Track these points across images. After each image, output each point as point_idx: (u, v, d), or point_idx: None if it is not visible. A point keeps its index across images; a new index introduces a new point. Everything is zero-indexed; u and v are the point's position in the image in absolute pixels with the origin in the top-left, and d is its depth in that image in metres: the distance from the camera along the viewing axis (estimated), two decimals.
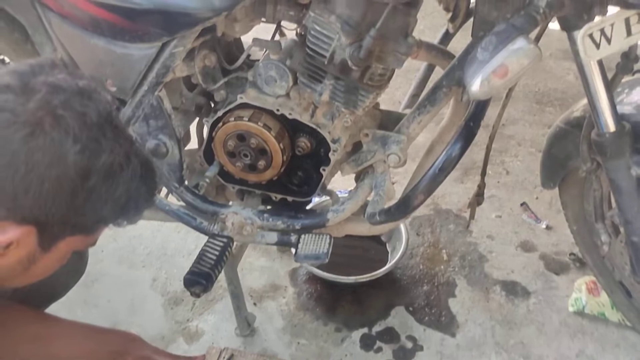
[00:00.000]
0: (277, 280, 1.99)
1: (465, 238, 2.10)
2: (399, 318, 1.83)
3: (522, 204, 2.18)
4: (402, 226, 1.96)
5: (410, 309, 1.86)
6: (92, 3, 1.24)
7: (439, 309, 1.85)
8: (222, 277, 1.70)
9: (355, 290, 1.92)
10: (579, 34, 0.98)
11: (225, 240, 1.41)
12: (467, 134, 1.24)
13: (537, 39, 1.19)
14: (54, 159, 0.80)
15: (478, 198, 1.76)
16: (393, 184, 2.08)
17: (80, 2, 1.25)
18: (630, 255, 1.28)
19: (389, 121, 1.47)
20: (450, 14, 1.31)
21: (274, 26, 1.40)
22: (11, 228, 0.82)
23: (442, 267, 1.99)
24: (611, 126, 1.12)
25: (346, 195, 1.50)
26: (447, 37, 1.49)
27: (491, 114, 1.36)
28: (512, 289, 1.90)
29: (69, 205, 0.83)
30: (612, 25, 0.98)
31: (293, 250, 1.46)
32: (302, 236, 1.43)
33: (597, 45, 0.99)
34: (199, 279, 1.34)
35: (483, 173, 1.68)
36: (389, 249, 2.01)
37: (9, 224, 0.82)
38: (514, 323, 1.79)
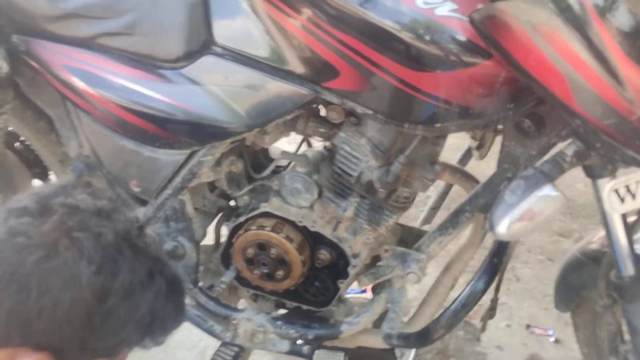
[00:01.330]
0: None
1: (475, 347, 2.06)
2: None
3: (527, 327, 2.15)
4: None
5: None
6: (124, 109, 1.25)
7: None
8: None
9: None
10: (605, 189, 1.00)
11: (236, 349, 1.39)
12: (491, 270, 1.24)
13: None
14: (68, 281, 0.78)
15: (490, 312, 1.74)
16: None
17: (113, 107, 1.26)
18: None
19: (409, 237, 1.46)
20: (477, 143, 1.32)
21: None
22: (26, 355, 0.79)
23: None
24: (630, 270, 1.12)
25: (356, 295, 1.48)
26: (467, 156, 1.50)
27: None
28: None
29: (85, 328, 0.81)
30: (637, 182, 0.99)
31: None
32: (317, 352, 1.41)
33: (622, 200, 1.00)
34: None
35: (497, 289, 1.66)
36: (397, 354, 1.98)
37: (23, 351, 0.79)
38: None
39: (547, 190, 1.00)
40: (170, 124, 1.25)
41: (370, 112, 1.12)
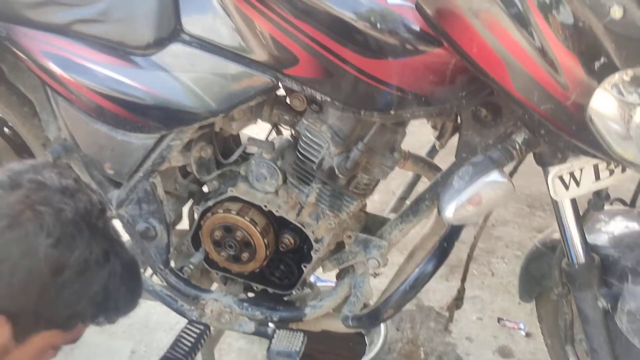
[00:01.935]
0: None
1: (445, 338, 2.10)
2: None
3: (499, 320, 2.18)
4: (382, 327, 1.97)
5: None
6: (98, 94, 1.29)
7: None
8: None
9: None
10: (549, 175, 1.03)
11: (202, 327, 1.43)
12: (440, 254, 1.27)
13: (514, 170, 1.24)
14: (27, 250, 0.83)
15: (457, 302, 1.78)
16: (376, 275, 2.12)
17: (87, 92, 1.30)
18: None
19: (373, 224, 1.50)
20: (437, 132, 1.36)
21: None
22: None
23: None
24: (580, 258, 1.15)
25: (326, 284, 1.52)
26: (434, 150, 1.54)
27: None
28: None
29: (40, 298, 0.86)
30: (581, 169, 1.02)
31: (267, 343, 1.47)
32: (277, 331, 1.45)
33: (567, 187, 1.03)
34: None
35: (463, 279, 1.70)
36: (367, 342, 2.01)
37: None
38: None
39: (494, 176, 1.04)
40: (140, 109, 1.29)
41: (328, 99, 1.16)
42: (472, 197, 1.04)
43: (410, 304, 2.20)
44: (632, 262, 1.14)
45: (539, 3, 0.85)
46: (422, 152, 1.54)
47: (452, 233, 1.28)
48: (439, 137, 1.36)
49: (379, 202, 2.37)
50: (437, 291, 2.28)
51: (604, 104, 0.83)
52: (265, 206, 1.39)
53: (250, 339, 2.07)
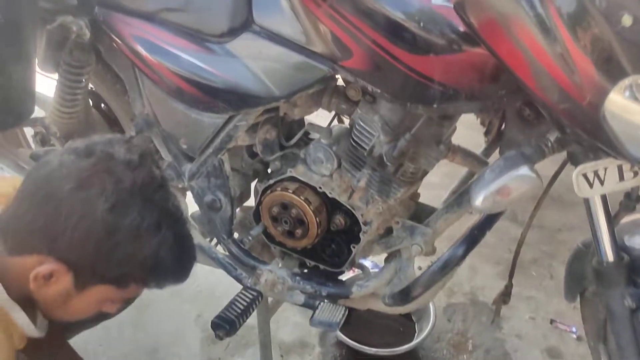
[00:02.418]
0: (307, 338, 2.11)
1: (494, 333, 2.14)
2: None
3: (552, 322, 2.19)
4: (432, 309, 2.04)
5: None
6: (177, 76, 1.44)
7: None
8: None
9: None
10: (574, 173, 1.08)
11: (255, 293, 1.55)
12: (470, 240, 1.33)
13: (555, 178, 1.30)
14: (87, 211, 0.98)
15: (504, 297, 1.82)
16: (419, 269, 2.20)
17: (168, 73, 1.45)
18: None
19: (422, 213, 1.57)
20: (485, 128, 1.42)
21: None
22: (51, 262, 0.99)
23: (464, 356, 2.05)
24: (610, 256, 1.19)
25: (376, 270, 1.61)
26: (491, 147, 1.59)
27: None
28: None
29: (95, 254, 1.00)
30: (605, 169, 1.06)
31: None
32: (321, 303, 1.55)
33: (591, 185, 1.07)
34: (224, 324, 1.47)
35: (511, 275, 1.74)
36: (417, 328, 2.09)
37: (49, 259, 0.99)
38: None
39: (523, 171, 1.09)
40: (212, 91, 1.42)
41: (378, 90, 1.25)
42: (500, 188, 1.10)
43: (465, 297, 2.28)
44: None
45: (559, 10, 0.91)
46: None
47: (485, 222, 1.34)
48: (486, 133, 1.42)
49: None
50: (494, 289, 2.30)
51: (617, 106, 0.88)
52: (320, 188, 1.49)
53: (306, 314, 2.18)
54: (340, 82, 1.42)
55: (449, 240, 1.48)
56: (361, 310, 1.68)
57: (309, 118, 1.61)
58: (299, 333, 2.12)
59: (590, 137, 0.97)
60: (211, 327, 1.49)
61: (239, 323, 1.49)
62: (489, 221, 1.33)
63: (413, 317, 2.13)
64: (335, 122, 1.62)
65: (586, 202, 1.18)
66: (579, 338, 2.11)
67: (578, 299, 1.62)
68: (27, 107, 1.61)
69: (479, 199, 1.13)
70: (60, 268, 1.00)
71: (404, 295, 1.44)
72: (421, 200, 1.65)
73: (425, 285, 1.40)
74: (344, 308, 1.54)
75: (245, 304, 1.51)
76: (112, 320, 1.58)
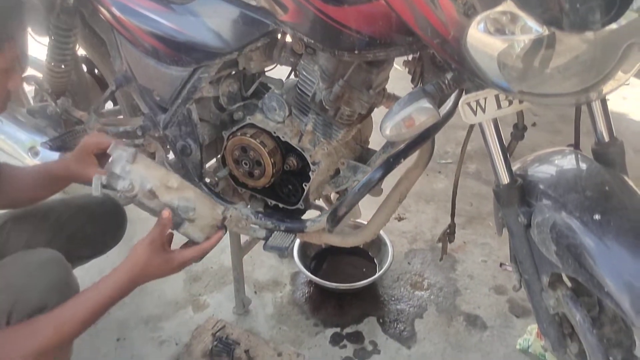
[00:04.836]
0: (280, 278, 2.30)
1: (449, 273, 2.32)
2: (369, 326, 2.08)
3: (501, 265, 2.36)
4: (390, 252, 2.23)
5: (381, 320, 2.11)
6: (147, 34, 1.62)
7: (404, 325, 2.08)
8: None
9: (340, 297, 2.19)
10: (459, 102, 1.25)
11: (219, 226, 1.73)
12: (387, 166, 1.51)
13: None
14: None
15: (449, 236, 2.00)
16: (401, 219, 2.39)
17: (141, 33, 1.63)
18: (526, 291, 1.50)
19: (367, 156, 1.76)
20: (411, 77, 1.59)
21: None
22: None
23: (420, 293, 2.23)
24: (504, 179, 1.35)
25: None
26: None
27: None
28: (473, 321, 2.10)
29: None
30: (485, 98, 1.23)
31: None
32: (275, 232, 1.74)
33: (474, 113, 1.24)
34: None
35: (452, 214, 1.92)
36: (377, 270, 2.28)
37: None
38: (464, 348, 1.99)
39: (423, 103, 1.25)
40: (176, 45, 1.60)
41: (312, 41, 1.43)
42: (404, 118, 1.27)
43: (426, 244, 2.46)
44: (545, 185, 1.32)
45: None
46: None
47: (400, 152, 1.51)
48: (412, 80, 1.59)
49: None
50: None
51: (474, 39, 1.04)
52: (274, 132, 1.67)
53: (280, 259, 2.39)
54: (288, 38, 1.60)
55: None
56: (331, 259, 1.86)
57: (270, 74, 1.79)
58: (272, 274, 2.32)
59: (459, 67, 1.14)
60: None
61: None
62: (404, 152, 1.51)
63: (375, 260, 2.32)
64: (293, 77, 1.80)
65: (481, 130, 1.34)
66: (514, 287, 2.27)
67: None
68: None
69: (388, 128, 1.30)
70: None
71: (333, 215, 1.62)
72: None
73: (348, 205, 1.58)
74: (293, 236, 1.73)
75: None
76: (106, 263, 1.76)
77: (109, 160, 1.35)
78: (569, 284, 1.43)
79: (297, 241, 2.27)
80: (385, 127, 1.30)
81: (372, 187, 1.54)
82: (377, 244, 2.32)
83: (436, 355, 1.97)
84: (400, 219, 2.57)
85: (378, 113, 1.66)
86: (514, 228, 1.40)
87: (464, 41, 1.07)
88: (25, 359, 1.14)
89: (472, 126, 1.57)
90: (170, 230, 1.37)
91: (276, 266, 2.35)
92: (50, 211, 1.59)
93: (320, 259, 2.35)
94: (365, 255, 2.34)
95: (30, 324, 1.18)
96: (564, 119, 3.32)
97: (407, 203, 1.83)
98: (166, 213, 1.33)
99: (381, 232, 2.28)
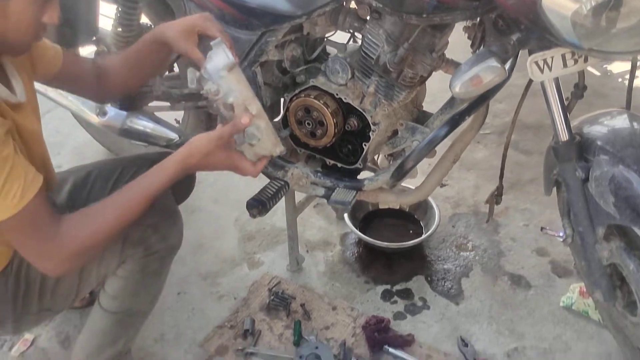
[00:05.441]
0: (330, 238, 2.40)
1: (492, 236, 2.41)
2: (417, 283, 2.18)
3: (542, 229, 2.43)
4: (437, 215, 2.32)
5: (429, 279, 2.20)
6: None
7: (452, 283, 2.18)
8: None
9: (389, 257, 2.29)
10: (528, 61, 1.33)
11: (283, 182, 1.83)
12: (452, 123, 1.60)
13: (514, 62, 1.54)
14: None
15: (496, 197, 2.09)
16: (443, 186, 2.48)
17: None
18: (578, 243, 1.59)
19: (424, 119, 1.84)
20: (471, 42, 1.67)
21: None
22: None
23: (465, 254, 2.32)
24: (564, 136, 1.44)
25: None
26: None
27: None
28: (517, 281, 2.19)
29: None
30: (552, 57, 1.31)
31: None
32: (337, 188, 1.83)
33: (541, 71, 1.32)
34: (257, 205, 1.76)
35: (501, 176, 2.01)
36: (424, 231, 2.38)
37: None
38: (509, 305, 2.09)
39: (490, 62, 1.35)
40: (247, 10, 1.69)
41: (380, 5, 1.51)
42: (473, 77, 1.36)
43: (468, 209, 2.55)
44: (602, 142, 1.40)
45: None
46: None
47: (465, 110, 1.59)
48: (472, 46, 1.66)
49: None
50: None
51: (549, 1, 1.14)
52: (337, 94, 1.77)
53: (329, 221, 2.49)
54: (353, 5, 1.68)
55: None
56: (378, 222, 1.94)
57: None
58: (322, 235, 2.42)
59: (533, 25, 1.23)
60: (246, 207, 1.76)
61: (269, 205, 1.77)
62: (467, 110, 1.59)
63: (421, 223, 2.41)
64: (352, 42, 1.89)
65: (543, 89, 1.42)
66: (565, 241, 2.35)
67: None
68: (92, 28, 1.91)
69: (457, 86, 1.39)
70: None
71: (400, 169, 1.72)
72: None
73: (415, 160, 1.67)
74: (355, 192, 1.82)
75: (275, 190, 1.79)
76: None
77: (208, 55, 1.35)
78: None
79: None
80: (454, 85, 1.39)
81: (437, 143, 1.63)
82: (423, 207, 2.41)
83: (483, 311, 2.06)
84: (443, 185, 2.66)
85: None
86: (571, 182, 1.49)
87: (539, 2, 1.15)
88: (87, 239, 1.23)
89: (526, 90, 1.65)
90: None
91: (325, 227, 2.46)
92: (131, 164, 1.70)
93: (368, 221, 2.44)
94: (411, 219, 2.44)
95: (90, 209, 1.26)
96: (597, 94, 3.38)
97: (449, 171, 1.94)
98: (246, 119, 1.35)
99: None
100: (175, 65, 2.20)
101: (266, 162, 1.46)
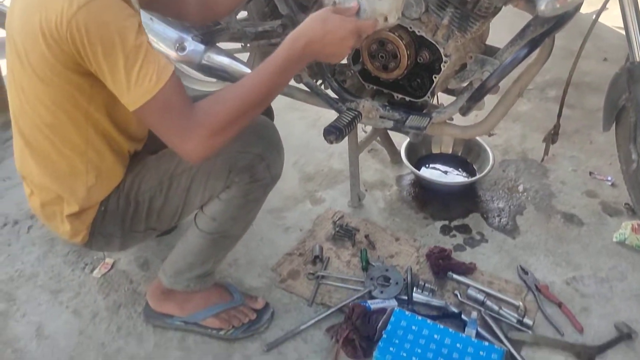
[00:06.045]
0: (386, 180, 2.49)
1: (542, 180, 2.49)
2: (474, 220, 2.27)
3: (590, 173, 2.52)
4: (491, 156, 2.41)
5: (485, 216, 2.29)
6: None
7: (507, 220, 2.27)
8: (346, 167, 2.25)
9: (445, 196, 2.38)
10: None
11: (356, 112, 1.91)
12: (532, 44, 1.67)
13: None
14: None
15: (553, 136, 2.18)
16: (491, 135, 2.56)
17: None
18: None
19: (491, 53, 1.92)
20: None
21: None
22: None
23: (517, 194, 2.40)
24: (638, 56, 1.53)
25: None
26: None
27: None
28: (570, 219, 2.27)
29: None
30: None
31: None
32: (411, 115, 1.92)
33: None
34: (334, 131, 1.82)
35: (559, 115, 2.09)
36: (475, 168, 2.47)
37: None
38: (564, 239, 2.17)
39: None
40: None
41: None
42: None
43: (517, 155, 2.63)
44: None
45: None
46: None
47: (544, 33, 1.67)
48: None
49: None
50: (541, 150, 2.63)
51: None
52: (410, 27, 1.84)
53: (385, 164, 2.58)
54: None
55: None
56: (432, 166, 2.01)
57: None
58: (379, 176, 2.51)
59: None
60: (323, 133, 1.82)
61: (345, 131, 1.85)
62: (546, 33, 1.67)
63: (474, 166, 2.50)
64: None
65: (621, 6, 1.50)
66: (613, 185, 2.42)
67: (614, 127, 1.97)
68: None
69: (543, 4, 1.48)
70: None
71: (479, 91, 1.79)
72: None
73: (498, 79, 1.75)
74: (428, 118, 1.90)
75: (350, 118, 1.87)
76: None
77: None
78: None
79: (404, 146, 2.47)
80: (541, 3, 1.47)
81: (518, 63, 1.70)
82: (476, 150, 2.49)
83: (539, 245, 2.15)
84: (491, 135, 2.74)
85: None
86: None
87: None
88: (223, 117, 1.29)
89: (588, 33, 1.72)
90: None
91: (381, 170, 2.54)
92: None
93: (421, 165, 2.53)
94: (463, 163, 2.52)
95: (219, 94, 1.32)
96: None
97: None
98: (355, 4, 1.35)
99: (479, 139, 2.47)
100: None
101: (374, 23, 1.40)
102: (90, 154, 1.46)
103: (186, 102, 1.28)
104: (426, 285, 1.90)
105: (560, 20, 1.64)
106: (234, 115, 1.30)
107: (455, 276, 1.98)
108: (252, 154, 1.55)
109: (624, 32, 1.65)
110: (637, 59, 1.53)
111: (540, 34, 1.67)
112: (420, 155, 2.54)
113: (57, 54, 1.24)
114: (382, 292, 1.88)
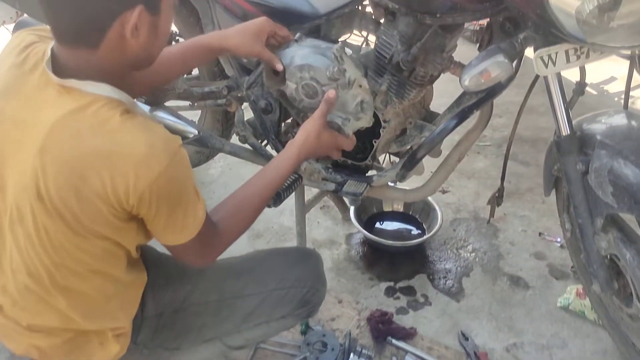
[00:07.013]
0: (336, 238, 2.48)
1: (491, 240, 2.48)
2: (420, 281, 2.25)
3: (540, 234, 2.52)
4: (439, 217, 2.40)
5: (431, 277, 2.27)
6: (245, 1, 1.82)
7: (453, 282, 2.25)
8: (294, 225, 2.24)
9: (392, 256, 2.37)
10: (533, 56, 1.43)
11: (297, 175, 1.91)
12: (461, 116, 1.68)
13: (519, 63, 1.63)
14: None
15: (497, 199, 2.17)
16: (445, 192, 2.56)
17: (239, 0, 1.83)
18: (577, 234, 1.66)
19: (431, 118, 1.93)
20: (478, 44, 1.77)
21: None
22: (128, 15, 1.06)
23: (466, 255, 2.39)
24: (565, 130, 1.53)
25: None
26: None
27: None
28: (516, 282, 2.26)
29: None
30: (556, 52, 1.41)
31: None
32: (349, 181, 1.91)
33: (546, 65, 1.42)
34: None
35: (502, 178, 2.09)
36: (425, 228, 2.46)
37: (125, 15, 1.06)
38: (509, 304, 2.15)
39: (499, 58, 1.44)
40: (269, 11, 1.79)
41: (396, 6, 1.61)
42: (482, 71, 1.45)
43: (469, 214, 2.63)
44: (601, 136, 1.49)
45: None
46: None
47: (473, 105, 1.67)
48: (479, 48, 1.76)
49: None
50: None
51: None
52: None
53: (336, 222, 2.57)
54: (368, 9, 1.78)
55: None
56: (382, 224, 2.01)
57: None
58: (329, 234, 2.50)
59: (540, 20, 1.32)
60: None
61: (283, 196, 1.83)
62: (476, 104, 1.68)
63: (424, 225, 2.49)
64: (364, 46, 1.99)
65: (546, 84, 1.51)
66: (562, 246, 2.43)
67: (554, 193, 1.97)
68: None
69: (467, 80, 1.49)
70: (135, 12, 1.06)
71: (412, 157, 1.79)
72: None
73: (427, 149, 1.75)
74: (365, 184, 1.90)
75: (289, 182, 1.86)
76: None
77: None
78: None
79: (352, 207, 2.46)
80: (464, 79, 1.49)
81: (445, 135, 1.71)
82: (426, 210, 2.49)
83: (483, 308, 2.13)
84: (444, 192, 2.74)
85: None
86: (572, 175, 1.57)
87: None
88: (238, 231, 1.38)
89: (529, 91, 1.75)
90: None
91: (331, 227, 2.53)
92: None
93: (372, 223, 2.52)
94: (414, 221, 2.52)
95: (234, 202, 1.39)
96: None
97: (450, 179, 2.04)
98: (332, 93, 1.55)
99: (429, 199, 2.47)
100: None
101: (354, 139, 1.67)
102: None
103: (212, 227, 1.28)
104: (363, 351, 1.87)
105: (491, 92, 1.66)
106: (247, 225, 1.42)
107: (394, 341, 1.96)
108: (321, 292, 1.60)
109: None
110: (563, 133, 1.54)
111: (468, 106, 1.68)
112: (371, 213, 2.53)
113: (115, 213, 1.13)
114: (317, 358, 1.85)
